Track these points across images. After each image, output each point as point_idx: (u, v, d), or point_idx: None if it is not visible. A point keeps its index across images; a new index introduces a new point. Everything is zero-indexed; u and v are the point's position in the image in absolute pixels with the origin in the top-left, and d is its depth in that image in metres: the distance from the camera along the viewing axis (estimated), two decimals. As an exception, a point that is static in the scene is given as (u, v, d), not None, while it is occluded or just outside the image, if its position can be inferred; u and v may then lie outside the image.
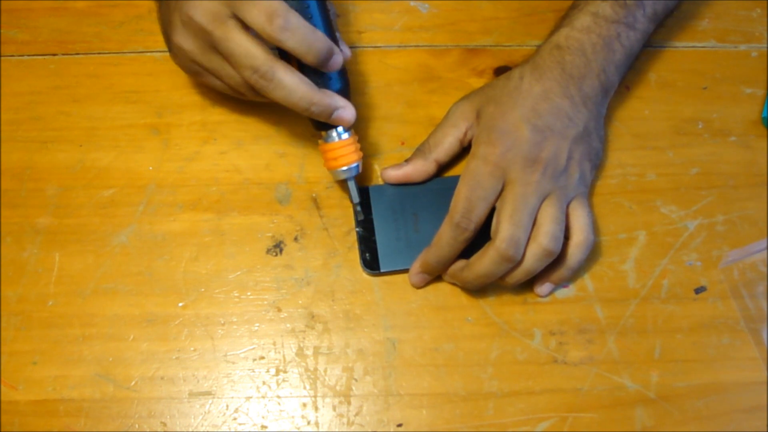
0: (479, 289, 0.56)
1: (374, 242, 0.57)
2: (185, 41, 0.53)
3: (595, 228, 0.57)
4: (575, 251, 0.54)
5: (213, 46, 0.51)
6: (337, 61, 0.53)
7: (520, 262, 0.53)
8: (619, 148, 0.61)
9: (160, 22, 0.57)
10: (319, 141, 0.56)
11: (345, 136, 0.55)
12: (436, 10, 0.66)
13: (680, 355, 0.55)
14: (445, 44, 0.65)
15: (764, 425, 0.53)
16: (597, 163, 0.58)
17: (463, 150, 0.59)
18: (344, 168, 0.55)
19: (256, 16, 0.49)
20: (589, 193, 0.58)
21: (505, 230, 0.52)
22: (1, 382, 0.54)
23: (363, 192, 0.58)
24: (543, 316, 0.56)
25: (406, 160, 0.59)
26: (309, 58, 0.51)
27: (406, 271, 0.57)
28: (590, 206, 0.57)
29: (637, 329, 0.55)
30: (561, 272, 0.55)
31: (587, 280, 0.57)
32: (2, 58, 0.64)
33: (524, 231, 0.52)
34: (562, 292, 0.56)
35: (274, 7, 0.49)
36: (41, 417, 0.53)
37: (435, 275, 0.56)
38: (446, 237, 0.54)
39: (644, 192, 0.60)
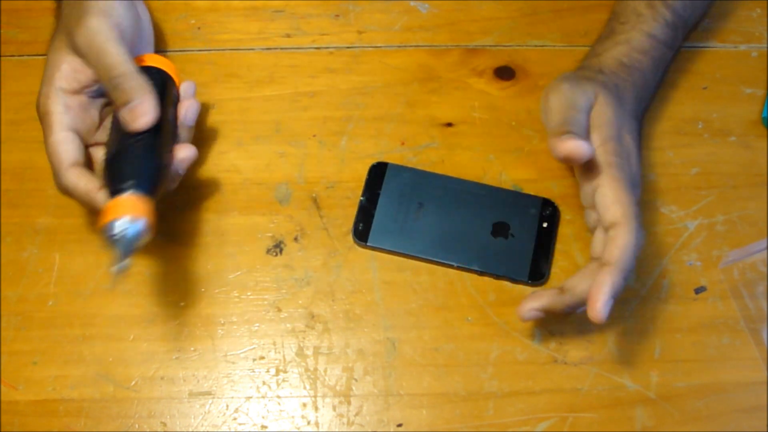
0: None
1: (372, 216, 0.58)
2: None
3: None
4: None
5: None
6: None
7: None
8: (619, 148, 0.60)
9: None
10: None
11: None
12: (436, 10, 0.66)
13: (680, 355, 0.55)
14: (445, 44, 0.65)
15: (764, 425, 0.53)
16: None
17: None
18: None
19: None
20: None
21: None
22: (1, 382, 0.54)
23: (381, 166, 0.59)
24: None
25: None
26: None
27: (391, 252, 0.57)
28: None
29: (637, 329, 0.55)
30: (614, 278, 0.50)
31: (587, 280, 0.57)
32: (2, 58, 0.64)
33: None
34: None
35: None
36: (41, 417, 0.53)
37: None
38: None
39: (644, 192, 0.59)
